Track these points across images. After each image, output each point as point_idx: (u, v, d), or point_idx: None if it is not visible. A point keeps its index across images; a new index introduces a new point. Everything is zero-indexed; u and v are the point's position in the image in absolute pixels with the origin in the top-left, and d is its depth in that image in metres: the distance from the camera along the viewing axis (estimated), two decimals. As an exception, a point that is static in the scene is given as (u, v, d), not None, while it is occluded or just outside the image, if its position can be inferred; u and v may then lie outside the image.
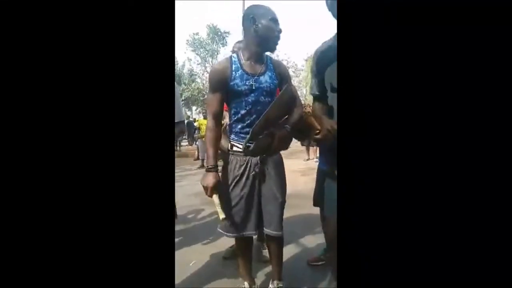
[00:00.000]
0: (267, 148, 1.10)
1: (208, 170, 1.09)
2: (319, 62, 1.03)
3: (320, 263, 1.55)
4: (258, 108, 1.09)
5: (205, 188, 1.09)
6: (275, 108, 1.08)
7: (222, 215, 1.07)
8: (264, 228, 1.17)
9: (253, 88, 1.08)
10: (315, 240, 1.85)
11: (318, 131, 1.23)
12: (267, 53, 1.15)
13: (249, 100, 1.08)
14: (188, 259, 1.62)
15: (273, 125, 1.10)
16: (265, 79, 1.10)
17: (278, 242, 1.22)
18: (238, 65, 1.09)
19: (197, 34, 14.58)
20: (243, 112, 1.10)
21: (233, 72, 1.08)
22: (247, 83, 1.07)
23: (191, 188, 3.42)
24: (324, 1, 1.01)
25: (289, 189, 1.22)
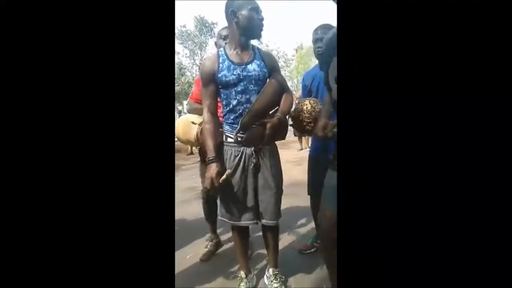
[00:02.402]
0: (260, 138, 1.10)
1: (209, 162, 1.09)
2: (326, 51, 0.96)
3: (312, 250, 1.58)
4: (248, 97, 1.10)
5: (210, 179, 1.08)
6: (262, 99, 1.09)
7: (228, 172, 1.08)
8: (261, 219, 1.18)
9: (241, 77, 1.09)
10: (307, 228, 1.87)
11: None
12: (256, 43, 1.16)
13: (238, 89, 1.09)
14: (183, 254, 1.63)
15: (264, 115, 1.10)
16: (253, 67, 1.11)
17: (273, 231, 1.24)
18: (225, 56, 1.11)
19: (184, 26, 14.29)
20: (234, 102, 1.10)
21: (220, 64, 1.10)
22: (234, 73, 1.08)
23: (183, 183, 3.40)
24: None
25: (285, 179, 1.23)
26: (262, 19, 1.10)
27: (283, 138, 1.19)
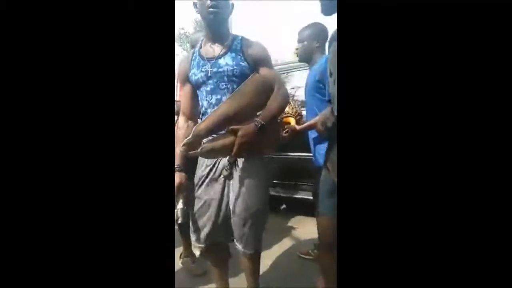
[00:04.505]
0: (227, 149, 0.86)
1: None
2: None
3: (307, 257, 1.57)
4: (219, 97, 0.91)
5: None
6: (236, 100, 0.86)
7: (179, 220, 0.93)
8: (235, 242, 0.99)
9: (209, 74, 0.91)
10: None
11: (286, 130, 1.16)
12: (239, 34, 0.98)
13: (208, 88, 0.92)
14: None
15: (241, 120, 0.86)
16: (226, 61, 0.91)
17: (251, 259, 1.01)
18: (197, 52, 0.96)
19: (182, 29, 14.35)
20: (205, 104, 0.94)
21: (192, 62, 0.96)
22: (203, 69, 0.92)
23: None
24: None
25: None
26: None
27: (271, 149, 0.98)
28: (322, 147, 1.27)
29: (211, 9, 0.88)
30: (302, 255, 1.59)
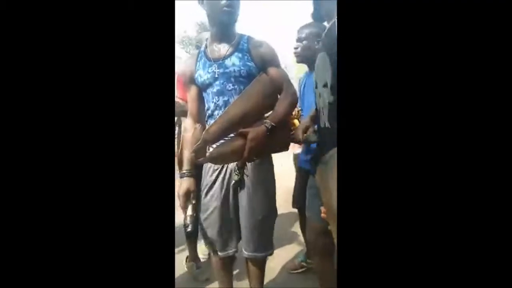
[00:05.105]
0: (237, 153, 0.82)
1: (181, 176, 0.94)
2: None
3: (300, 270, 1.49)
4: (226, 98, 0.90)
5: (179, 197, 0.92)
6: (243, 101, 0.82)
7: (189, 227, 0.91)
8: (242, 248, 1.01)
9: (216, 75, 0.89)
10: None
11: (292, 134, 1.15)
12: (245, 33, 0.96)
13: (214, 90, 0.91)
14: (180, 258, 1.58)
15: (249, 122, 0.84)
16: (232, 61, 0.89)
17: (257, 264, 1.03)
18: (203, 53, 0.96)
19: (185, 31, 14.48)
20: (212, 106, 0.92)
21: (197, 62, 0.95)
22: (209, 71, 0.91)
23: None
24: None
25: (282, 190, 1.18)
26: (228, 5, 0.86)
27: (285, 148, 0.95)
28: (309, 152, 1.26)
29: (226, 9, 0.86)
30: (293, 271, 1.49)
